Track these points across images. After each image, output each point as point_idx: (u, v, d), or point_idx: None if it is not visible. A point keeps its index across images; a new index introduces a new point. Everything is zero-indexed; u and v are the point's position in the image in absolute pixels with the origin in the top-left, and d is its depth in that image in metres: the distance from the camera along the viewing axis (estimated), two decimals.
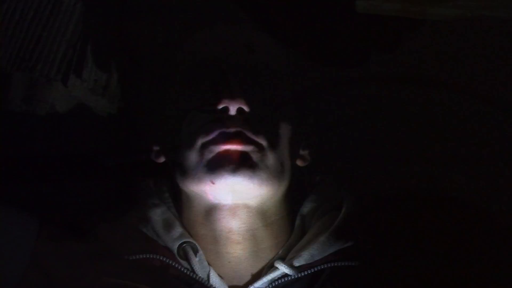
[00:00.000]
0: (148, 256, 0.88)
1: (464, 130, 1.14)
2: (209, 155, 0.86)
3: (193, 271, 0.89)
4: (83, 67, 1.11)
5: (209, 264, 0.90)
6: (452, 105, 1.15)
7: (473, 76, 1.15)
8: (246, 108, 0.88)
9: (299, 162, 0.97)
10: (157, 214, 0.93)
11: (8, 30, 1.08)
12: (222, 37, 0.96)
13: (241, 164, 0.85)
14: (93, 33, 1.12)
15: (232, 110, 0.87)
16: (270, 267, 0.90)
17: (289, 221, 0.95)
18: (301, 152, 0.97)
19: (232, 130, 0.86)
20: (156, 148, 0.98)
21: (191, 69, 0.94)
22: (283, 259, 0.90)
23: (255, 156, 0.86)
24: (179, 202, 0.96)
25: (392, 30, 1.15)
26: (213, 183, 0.85)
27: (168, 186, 0.98)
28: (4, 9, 1.09)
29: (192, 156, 0.88)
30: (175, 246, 0.90)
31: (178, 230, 0.92)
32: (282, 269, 0.87)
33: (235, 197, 0.88)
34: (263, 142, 0.88)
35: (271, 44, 0.97)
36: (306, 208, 0.97)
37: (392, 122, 1.16)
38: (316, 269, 0.88)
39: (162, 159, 0.98)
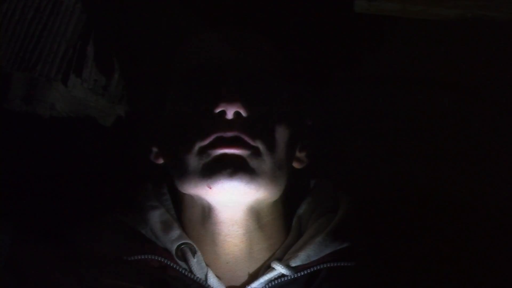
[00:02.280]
0: (146, 257, 0.88)
1: (463, 130, 1.14)
2: (206, 160, 0.86)
3: (191, 271, 0.89)
4: (83, 67, 1.11)
5: (207, 265, 0.91)
6: (451, 105, 1.15)
7: (473, 76, 1.15)
8: (243, 113, 0.87)
9: (296, 165, 0.97)
10: (156, 216, 0.93)
11: (8, 30, 1.08)
12: (220, 40, 0.94)
13: (238, 168, 0.85)
14: (93, 33, 1.12)
15: (230, 114, 0.86)
16: (267, 268, 0.90)
17: (285, 222, 0.95)
18: (298, 154, 0.97)
19: (230, 134, 0.86)
20: (155, 149, 0.98)
21: (190, 71, 0.93)
22: (280, 259, 0.90)
23: (252, 161, 0.86)
24: (178, 203, 0.96)
25: (391, 30, 1.15)
26: (210, 188, 0.86)
27: (167, 188, 0.98)
28: (4, 9, 1.09)
29: (190, 160, 0.87)
30: (173, 247, 0.90)
31: (176, 231, 0.92)
32: (279, 269, 0.88)
33: (232, 201, 0.88)
34: (261, 146, 0.87)
35: (268, 46, 0.96)
36: (302, 210, 0.97)
37: (389, 122, 1.15)
38: (312, 270, 0.88)
39: (161, 161, 0.98)
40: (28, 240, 0.90)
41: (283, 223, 0.95)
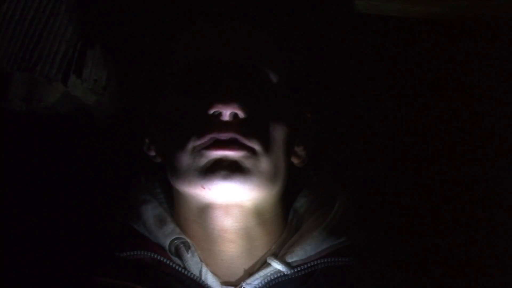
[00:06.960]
0: (138, 253, 0.87)
1: (463, 130, 1.14)
2: (200, 160, 0.85)
3: (185, 268, 0.88)
4: (83, 67, 1.11)
5: (201, 260, 0.89)
6: (451, 105, 1.15)
7: (473, 76, 1.15)
8: (240, 114, 0.85)
9: (294, 159, 0.95)
10: (148, 210, 0.92)
11: (8, 30, 1.08)
12: (217, 37, 0.92)
13: (233, 170, 0.83)
14: (93, 33, 1.12)
15: (226, 116, 0.85)
16: (263, 264, 0.89)
17: (283, 217, 0.94)
18: (296, 149, 0.95)
19: (225, 136, 0.84)
20: (147, 140, 0.96)
21: (186, 66, 0.91)
22: (276, 255, 0.89)
23: (247, 162, 0.85)
24: (172, 198, 0.95)
25: (392, 30, 1.15)
26: (204, 188, 0.85)
27: (160, 182, 0.97)
28: (4, 9, 1.09)
29: (183, 159, 0.86)
30: (167, 242, 0.89)
31: (170, 226, 0.90)
32: (275, 265, 0.87)
33: (228, 199, 0.87)
34: (257, 147, 0.85)
35: (266, 42, 0.94)
36: (299, 203, 0.96)
37: (389, 120, 1.15)
38: (309, 265, 0.87)
39: (153, 152, 0.96)
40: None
41: (282, 218, 0.94)
